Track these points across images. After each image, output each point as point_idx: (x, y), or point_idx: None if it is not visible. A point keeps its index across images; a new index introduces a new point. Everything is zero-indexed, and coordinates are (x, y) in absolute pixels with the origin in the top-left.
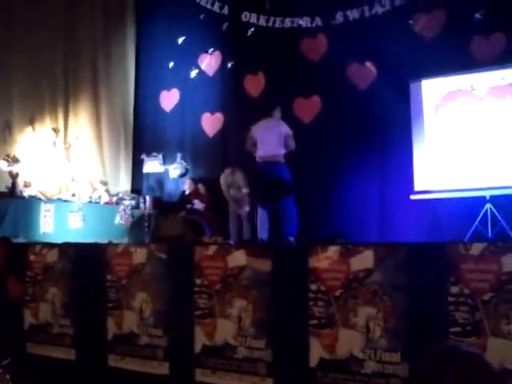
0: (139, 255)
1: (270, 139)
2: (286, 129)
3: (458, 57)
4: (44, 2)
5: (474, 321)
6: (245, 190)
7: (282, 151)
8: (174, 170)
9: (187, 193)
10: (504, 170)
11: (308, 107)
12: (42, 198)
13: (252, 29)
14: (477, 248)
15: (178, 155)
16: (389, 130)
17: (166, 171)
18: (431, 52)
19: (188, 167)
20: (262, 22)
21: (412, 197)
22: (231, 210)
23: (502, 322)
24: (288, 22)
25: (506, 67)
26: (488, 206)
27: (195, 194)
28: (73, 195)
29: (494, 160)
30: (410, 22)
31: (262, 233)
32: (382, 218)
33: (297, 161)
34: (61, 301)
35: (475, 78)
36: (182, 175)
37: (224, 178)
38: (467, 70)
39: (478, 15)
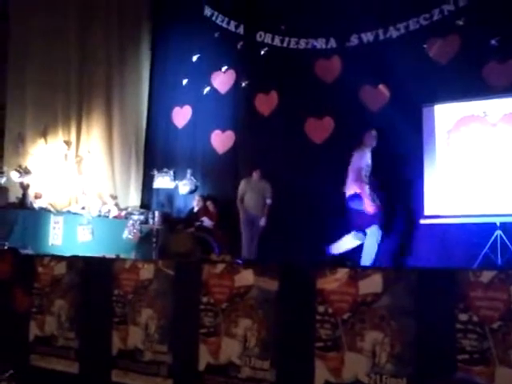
0: (146, 271)
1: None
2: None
3: (471, 82)
4: (60, 18)
5: (482, 349)
6: (268, 201)
7: None
8: (184, 187)
9: (196, 210)
10: None
11: (320, 128)
12: (52, 209)
13: (266, 48)
14: (487, 275)
15: (189, 171)
16: (400, 153)
17: (176, 187)
18: (445, 77)
19: (198, 184)
20: (277, 42)
21: (422, 221)
22: (245, 231)
23: (511, 351)
24: (303, 43)
25: None
26: (498, 232)
27: (204, 211)
28: (82, 208)
29: (505, 187)
30: (425, 46)
31: None
32: (391, 242)
33: (308, 182)
34: (67, 314)
35: (488, 104)
36: (192, 192)
37: (247, 183)
38: (481, 96)
39: (493, 41)
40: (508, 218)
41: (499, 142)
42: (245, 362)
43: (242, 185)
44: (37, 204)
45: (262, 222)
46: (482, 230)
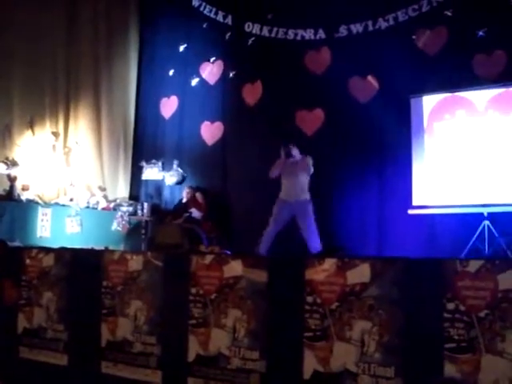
0: (135, 262)
1: None
2: None
3: (459, 73)
4: (46, 9)
5: (469, 338)
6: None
7: None
8: (171, 178)
9: (185, 201)
10: (502, 187)
11: (311, 120)
12: (40, 201)
13: (253, 38)
14: (474, 265)
15: (175, 162)
16: (389, 144)
17: (164, 178)
18: (433, 68)
19: (185, 175)
20: (265, 32)
21: (410, 211)
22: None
23: (497, 339)
24: (291, 34)
25: (508, 85)
26: (486, 222)
27: (193, 202)
28: (71, 200)
29: (492, 177)
30: (413, 37)
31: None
32: (379, 232)
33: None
34: (55, 306)
35: (476, 95)
36: (179, 183)
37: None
38: (468, 87)
39: (480, 32)
40: (495, 208)
41: (487, 132)
42: (234, 352)
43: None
44: (24, 196)
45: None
46: (470, 220)
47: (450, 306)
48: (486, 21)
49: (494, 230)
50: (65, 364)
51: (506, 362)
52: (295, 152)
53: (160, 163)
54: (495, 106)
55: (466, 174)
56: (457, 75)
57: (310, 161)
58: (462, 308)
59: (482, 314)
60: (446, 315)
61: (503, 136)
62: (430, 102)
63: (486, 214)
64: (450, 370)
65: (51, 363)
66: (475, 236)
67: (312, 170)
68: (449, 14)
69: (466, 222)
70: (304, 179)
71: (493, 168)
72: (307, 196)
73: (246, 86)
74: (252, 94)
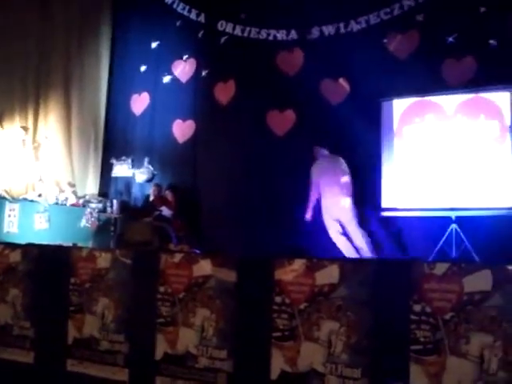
0: (103, 260)
1: None
2: None
3: (430, 78)
4: (18, 4)
5: (434, 339)
6: (345, 179)
7: None
8: (141, 175)
9: (151, 199)
10: (470, 191)
11: (282, 120)
12: (7, 197)
13: (226, 37)
14: (440, 267)
15: (146, 160)
16: (359, 146)
17: (134, 175)
18: (404, 72)
19: (155, 172)
20: (238, 31)
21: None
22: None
23: (462, 341)
24: (264, 34)
25: (477, 90)
26: (453, 226)
27: (162, 200)
28: (39, 195)
29: (461, 181)
30: (384, 41)
31: None
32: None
33: (268, 173)
34: (22, 302)
35: (446, 99)
36: (149, 180)
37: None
38: (438, 92)
39: (450, 38)
40: (463, 212)
41: (455, 136)
42: (202, 351)
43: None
44: None
45: (347, 202)
46: (438, 224)
47: (417, 307)
48: (457, 27)
49: (461, 234)
50: (31, 362)
51: (469, 364)
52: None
53: (129, 160)
54: (464, 110)
55: (435, 177)
56: (427, 80)
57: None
58: (429, 310)
59: (447, 317)
60: (412, 317)
61: (471, 140)
62: (400, 105)
63: (453, 218)
64: (415, 371)
65: (17, 361)
66: (443, 239)
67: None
68: (420, 18)
69: (434, 225)
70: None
71: (461, 172)
72: None
73: (218, 85)
74: (224, 92)
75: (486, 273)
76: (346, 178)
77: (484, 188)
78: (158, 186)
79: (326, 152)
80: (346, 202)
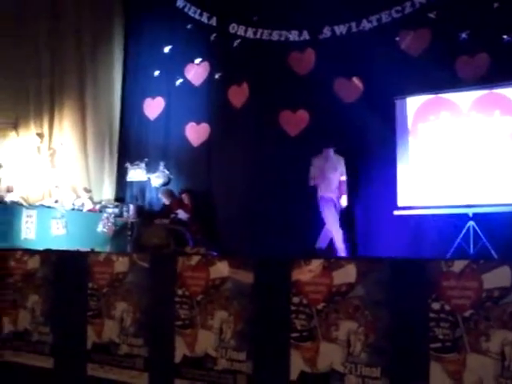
0: (121, 264)
1: None
2: None
3: (443, 75)
4: (30, 11)
5: (454, 337)
6: (343, 177)
7: None
8: (156, 179)
9: (165, 203)
10: (487, 187)
11: (295, 121)
12: (24, 203)
13: (238, 40)
14: (458, 265)
15: (161, 164)
16: (374, 145)
17: (149, 180)
18: (417, 69)
19: (171, 176)
20: (250, 33)
21: (395, 212)
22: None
23: (481, 338)
24: (276, 35)
25: (491, 87)
26: (471, 223)
27: (178, 203)
28: (56, 202)
29: (477, 178)
30: (397, 39)
31: None
32: (365, 233)
33: (282, 174)
34: (41, 308)
35: (460, 96)
36: (165, 184)
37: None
38: (452, 89)
39: (463, 35)
40: (480, 209)
41: (471, 133)
42: (221, 353)
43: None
44: (8, 198)
45: (344, 202)
46: (455, 221)
47: (436, 305)
48: (469, 23)
49: (478, 231)
50: (51, 367)
51: (490, 361)
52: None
53: (143, 164)
54: (479, 107)
55: (451, 174)
56: (440, 77)
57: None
58: (447, 308)
59: (466, 314)
60: (431, 315)
61: (487, 137)
62: (414, 103)
63: (470, 215)
64: (435, 369)
65: (37, 366)
66: (460, 236)
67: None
68: (432, 16)
69: (451, 222)
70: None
71: (477, 169)
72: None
73: (231, 88)
74: (238, 95)
75: (505, 269)
76: (344, 177)
77: (500, 184)
78: (168, 190)
79: (331, 151)
80: (343, 200)
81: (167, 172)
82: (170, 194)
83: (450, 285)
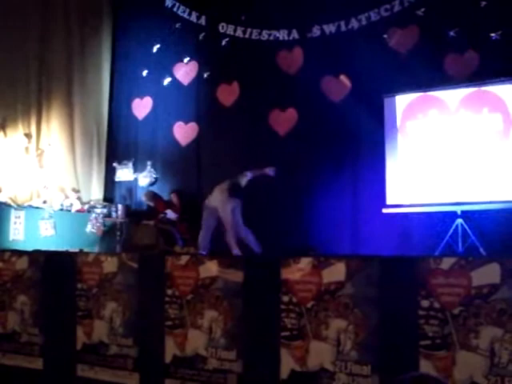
0: (110, 264)
1: None
2: None
3: (432, 73)
4: (19, 8)
5: (443, 334)
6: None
7: None
8: (144, 179)
9: (151, 205)
10: (475, 185)
11: (284, 120)
12: (13, 204)
13: (227, 39)
14: (447, 262)
15: (149, 163)
16: (362, 143)
17: (136, 180)
18: (406, 67)
19: (157, 176)
20: (239, 33)
21: (384, 210)
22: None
23: (471, 335)
24: (265, 34)
25: (480, 84)
26: (459, 220)
27: (166, 204)
28: (44, 202)
29: (465, 175)
30: (385, 36)
31: None
32: (354, 231)
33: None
34: (30, 309)
35: (449, 94)
36: (152, 184)
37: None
38: (440, 86)
39: (451, 33)
40: (468, 207)
41: (459, 130)
42: (211, 353)
43: None
44: None
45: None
46: (444, 219)
47: (425, 303)
48: (458, 21)
49: (467, 228)
50: (40, 368)
51: (480, 358)
52: None
53: (131, 164)
54: (467, 105)
55: (439, 172)
56: (429, 75)
57: None
58: (437, 305)
59: (456, 311)
60: (420, 312)
61: (475, 135)
62: (402, 101)
63: (459, 212)
64: (425, 366)
65: (26, 367)
66: (449, 234)
67: None
68: (420, 13)
69: (440, 220)
70: None
71: (465, 166)
72: None
73: (220, 87)
74: (228, 94)
75: (494, 266)
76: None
77: (489, 181)
78: (150, 192)
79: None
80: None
81: (153, 172)
82: (152, 195)
83: (439, 282)
